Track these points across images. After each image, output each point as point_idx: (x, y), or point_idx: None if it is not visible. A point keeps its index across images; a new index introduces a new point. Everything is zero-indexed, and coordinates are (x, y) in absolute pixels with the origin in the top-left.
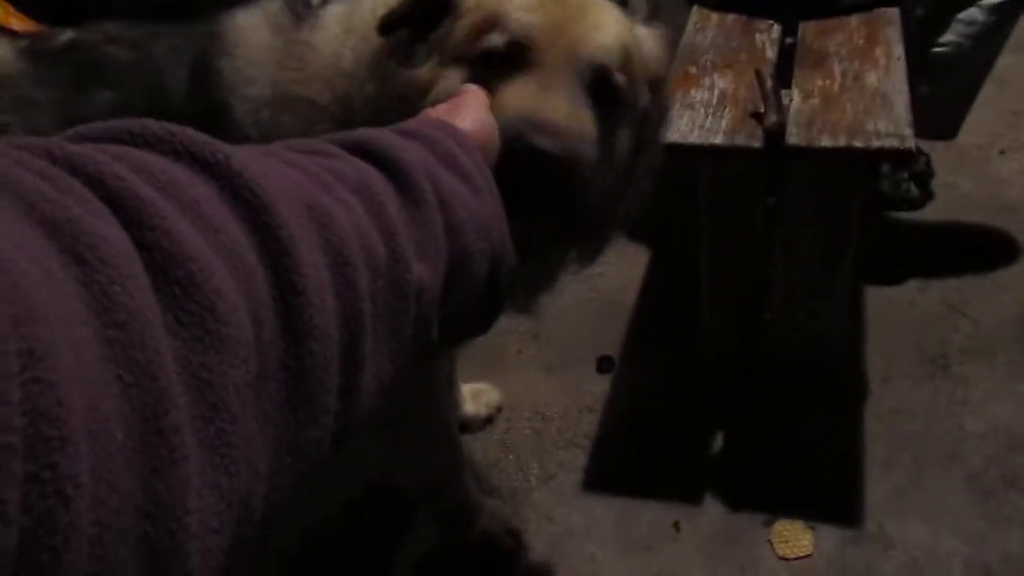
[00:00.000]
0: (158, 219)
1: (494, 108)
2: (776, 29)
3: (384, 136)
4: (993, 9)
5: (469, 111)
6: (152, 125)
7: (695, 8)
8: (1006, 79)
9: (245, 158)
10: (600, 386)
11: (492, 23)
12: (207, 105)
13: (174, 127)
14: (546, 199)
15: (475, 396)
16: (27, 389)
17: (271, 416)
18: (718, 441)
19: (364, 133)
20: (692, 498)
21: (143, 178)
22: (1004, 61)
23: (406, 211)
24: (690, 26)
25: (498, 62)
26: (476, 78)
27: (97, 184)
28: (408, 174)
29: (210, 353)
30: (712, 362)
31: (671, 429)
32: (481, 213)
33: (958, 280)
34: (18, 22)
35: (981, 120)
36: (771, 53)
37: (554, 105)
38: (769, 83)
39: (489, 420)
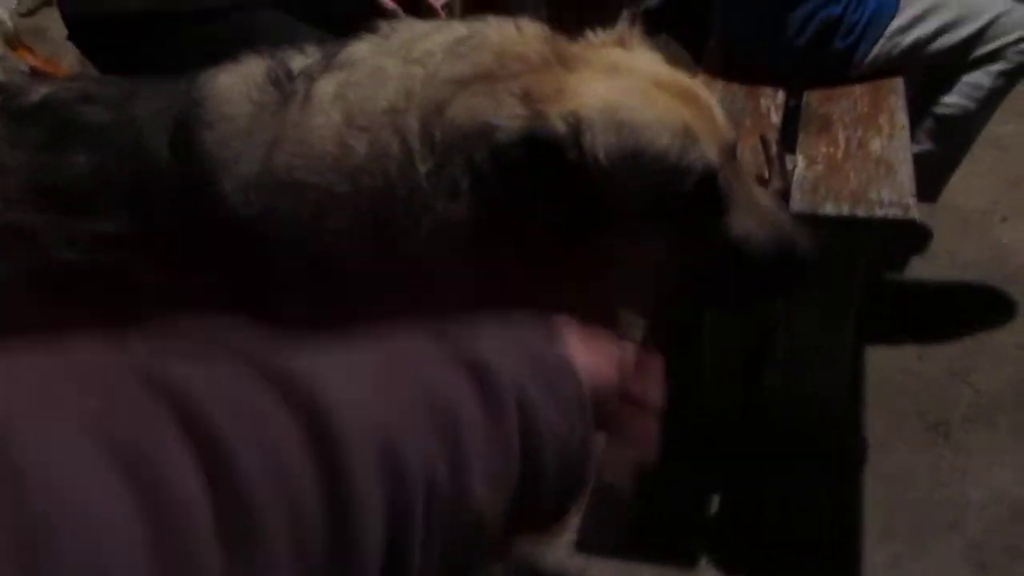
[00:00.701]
0: (236, 464)
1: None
2: (780, 94)
3: (486, 345)
4: (1000, 75)
5: (602, 356)
6: (258, 358)
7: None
8: (1007, 146)
9: (335, 387)
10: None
11: (660, 175)
12: (191, 177)
13: (281, 367)
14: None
15: None
16: None
17: None
18: (715, 504)
19: (465, 338)
20: (688, 561)
21: (231, 417)
22: (1005, 128)
23: (484, 432)
24: None
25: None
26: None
27: (190, 425)
28: (499, 395)
29: None
30: (711, 424)
31: (668, 490)
32: (564, 438)
33: (959, 347)
34: (32, 57)
35: (983, 186)
36: (776, 118)
37: (778, 205)
38: (774, 149)
39: None
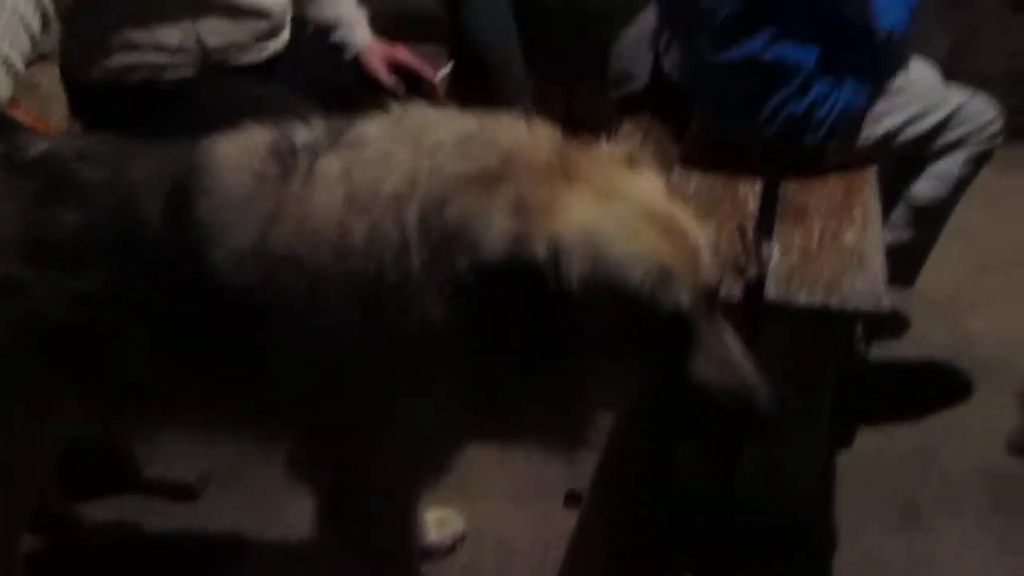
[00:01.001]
0: None
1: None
2: (759, 182)
3: None
4: (967, 161)
5: None
6: None
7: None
8: (974, 232)
9: None
10: (567, 521)
11: (630, 310)
12: (184, 244)
13: None
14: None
15: (440, 524)
16: None
17: None
18: None
19: None
20: None
21: None
22: (972, 216)
23: None
24: (675, 173)
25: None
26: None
27: None
28: None
29: None
30: (683, 507)
31: (638, 572)
32: None
33: (928, 430)
34: (23, 112)
35: (950, 273)
36: (753, 205)
37: (745, 356)
38: (751, 237)
39: (452, 548)
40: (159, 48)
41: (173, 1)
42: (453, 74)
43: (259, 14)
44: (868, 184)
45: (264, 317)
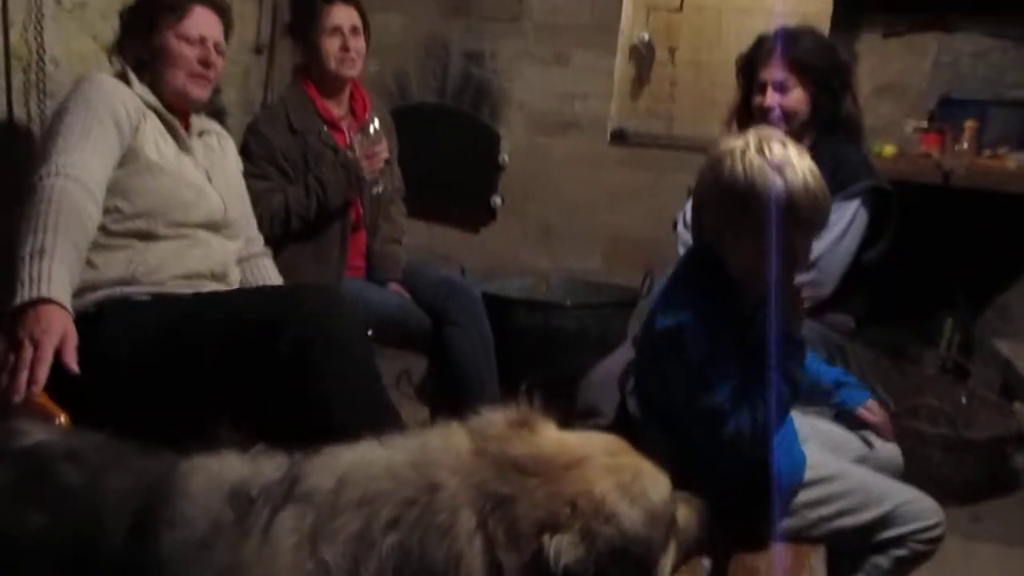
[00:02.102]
0: None
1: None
2: (707, 562)
3: None
4: (897, 560)
5: None
6: None
7: None
8: None
9: None
10: None
11: (669, 517)
12: (141, 571)
13: None
14: None
15: None
16: None
17: None
18: None
19: None
20: None
21: None
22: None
23: None
24: None
25: None
26: None
27: None
28: None
29: None
30: None
31: None
32: None
33: None
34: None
35: None
36: (707, 563)
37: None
38: None
39: None
40: (107, 283)
41: (120, 233)
42: (430, 382)
43: (193, 240)
44: (816, 552)
45: None
